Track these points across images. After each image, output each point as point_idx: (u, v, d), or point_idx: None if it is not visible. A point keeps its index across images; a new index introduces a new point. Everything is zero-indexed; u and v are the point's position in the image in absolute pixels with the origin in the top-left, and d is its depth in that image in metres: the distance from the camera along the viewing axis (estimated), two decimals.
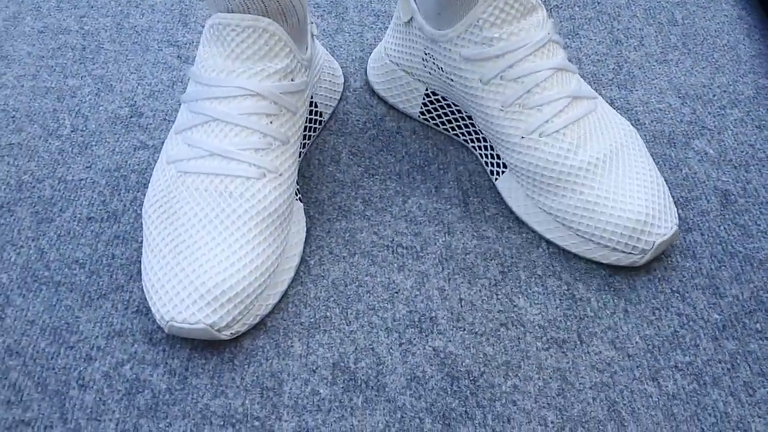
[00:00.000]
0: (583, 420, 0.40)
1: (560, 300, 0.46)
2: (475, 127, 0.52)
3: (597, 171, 0.45)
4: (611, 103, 0.59)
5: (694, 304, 0.46)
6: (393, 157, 0.55)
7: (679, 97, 0.59)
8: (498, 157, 0.50)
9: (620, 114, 0.57)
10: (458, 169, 0.53)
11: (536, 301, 0.45)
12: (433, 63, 0.51)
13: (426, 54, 0.51)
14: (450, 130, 0.55)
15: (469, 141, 0.54)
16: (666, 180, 0.53)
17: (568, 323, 0.44)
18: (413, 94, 0.55)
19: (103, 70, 0.61)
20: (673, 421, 0.40)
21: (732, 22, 0.66)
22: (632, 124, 0.57)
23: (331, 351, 0.43)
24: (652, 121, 0.57)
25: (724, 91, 0.59)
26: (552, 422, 0.40)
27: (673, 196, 0.52)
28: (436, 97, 0.54)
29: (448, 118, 0.54)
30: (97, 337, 0.43)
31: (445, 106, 0.54)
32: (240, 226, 0.42)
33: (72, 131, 0.56)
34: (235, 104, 0.43)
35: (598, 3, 0.68)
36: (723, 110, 0.58)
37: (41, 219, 0.50)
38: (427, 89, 0.54)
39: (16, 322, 0.44)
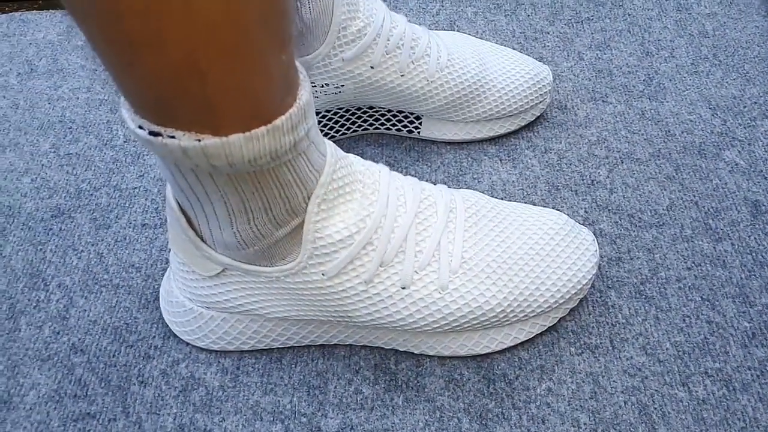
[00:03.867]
0: (615, 422, 0.42)
1: (593, 307, 0.47)
2: (370, 111, 0.57)
3: (484, 68, 0.57)
4: (642, 114, 0.60)
5: (724, 312, 0.47)
6: (428, 167, 0.57)
7: (710, 108, 0.60)
8: (410, 114, 0.57)
9: (653, 124, 0.59)
10: (492, 178, 0.55)
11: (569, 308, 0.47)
12: (311, 87, 0.53)
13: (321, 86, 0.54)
14: (347, 132, 0.59)
15: (370, 127, 0.59)
16: (696, 190, 0.54)
17: (600, 329, 0.46)
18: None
19: None
20: (702, 425, 0.42)
21: (763, 33, 0.67)
22: (663, 136, 0.58)
23: (372, 353, 0.45)
24: (682, 132, 0.58)
25: (755, 103, 0.60)
26: (585, 424, 0.42)
27: (704, 206, 0.53)
28: (321, 115, 0.57)
29: (340, 123, 0.58)
30: (154, 336, 0.46)
31: (332, 116, 0.57)
32: None
33: (125, 141, 0.59)
34: None
35: (630, 15, 0.70)
36: (753, 121, 0.59)
37: (99, 225, 0.53)
38: (327, 111, 0.57)
39: (79, 321, 0.47)
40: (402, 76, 0.53)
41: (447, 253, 0.41)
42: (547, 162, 0.57)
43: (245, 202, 0.35)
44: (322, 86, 0.54)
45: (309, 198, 0.37)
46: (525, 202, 0.54)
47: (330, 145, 0.39)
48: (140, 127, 0.30)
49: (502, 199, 0.54)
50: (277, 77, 0.30)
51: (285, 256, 0.39)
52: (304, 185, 0.36)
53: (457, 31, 0.69)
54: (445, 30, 0.68)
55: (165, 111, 0.29)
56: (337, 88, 0.54)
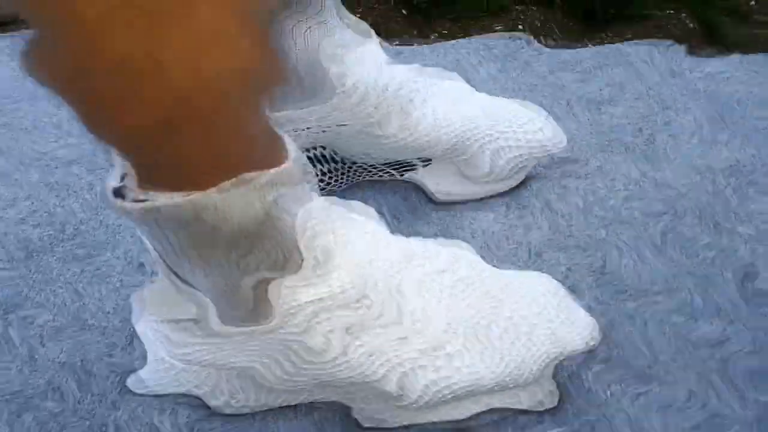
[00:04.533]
0: None
1: (571, 386, 0.45)
2: (360, 162, 0.55)
3: (491, 117, 0.54)
4: (644, 174, 0.59)
5: (719, 396, 0.45)
6: (422, 221, 0.56)
7: (712, 172, 0.59)
8: (407, 162, 0.56)
9: (654, 185, 0.57)
10: (489, 231, 0.54)
11: None
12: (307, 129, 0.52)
13: (296, 131, 0.53)
14: (349, 180, 0.57)
15: (367, 176, 0.57)
16: (690, 264, 0.52)
17: (579, 412, 0.44)
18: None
19: None
20: None
21: None
22: (664, 198, 0.57)
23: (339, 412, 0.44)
24: (685, 193, 0.57)
25: (764, 165, 0.59)
26: None
27: (697, 282, 0.51)
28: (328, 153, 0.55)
29: (336, 177, 0.57)
30: (121, 382, 0.45)
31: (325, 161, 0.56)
32: None
33: None
34: None
35: (638, 70, 0.69)
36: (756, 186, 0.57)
37: (81, 259, 0.52)
38: (307, 150, 0.55)
39: (47, 363, 0.46)
40: (401, 129, 0.52)
41: (429, 319, 0.40)
42: (546, 218, 0.55)
43: (221, 259, 0.34)
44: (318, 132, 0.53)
45: (288, 257, 0.36)
46: (515, 259, 0.52)
47: (315, 199, 0.38)
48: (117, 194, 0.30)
49: (494, 254, 0.53)
50: (260, 135, 0.29)
51: (258, 316, 0.37)
52: (284, 243, 0.35)
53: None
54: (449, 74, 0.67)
55: (143, 170, 0.29)
56: (338, 126, 0.52)
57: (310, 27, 0.47)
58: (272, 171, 0.30)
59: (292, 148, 0.32)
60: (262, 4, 0.27)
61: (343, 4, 0.51)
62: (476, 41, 0.72)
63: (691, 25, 0.72)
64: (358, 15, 0.74)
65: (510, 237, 0.54)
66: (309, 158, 0.55)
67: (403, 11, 0.77)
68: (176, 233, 0.31)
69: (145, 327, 0.42)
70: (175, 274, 0.37)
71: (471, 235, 0.54)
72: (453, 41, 0.72)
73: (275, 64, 0.28)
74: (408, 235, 0.43)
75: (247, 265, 0.34)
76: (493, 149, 0.54)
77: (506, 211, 0.56)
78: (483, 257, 0.45)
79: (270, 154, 0.31)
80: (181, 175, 0.28)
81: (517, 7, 0.74)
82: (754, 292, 0.50)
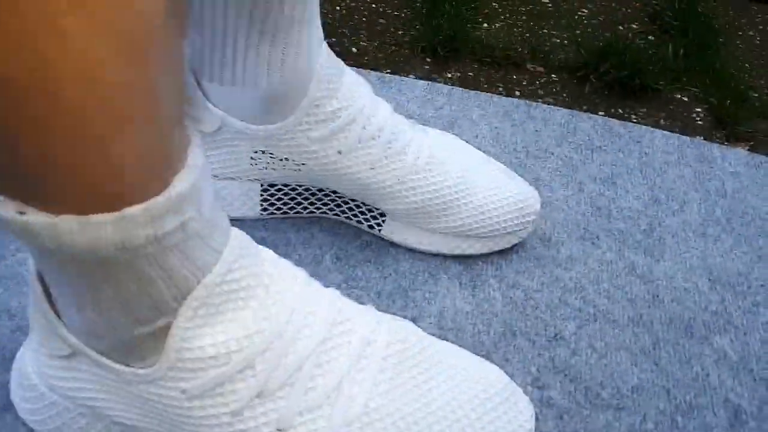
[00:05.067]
0: None
1: None
2: (333, 195, 0.52)
3: (466, 179, 0.50)
4: (633, 268, 0.53)
5: None
6: (378, 272, 0.50)
7: (710, 280, 0.53)
8: (374, 209, 0.51)
9: (641, 283, 0.52)
10: (444, 303, 0.48)
11: None
12: (270, 158, 0.48)
13: (256, 152, 0.48)
14: (302, 212, 0.53)
15: (329, 212, 0.53)
16: (671, 375, 0.46)
17: None
18: (247, 197, 0.51)
19: None
20: None
21: None
22: (650, 299, 0.51)
23: None
24: (671, 300, 0.51)
25: (762, 285, 0.53)
26: None
27: (677, 397, 0.45)
28: (277, 187, 0.51)
29: (297, 201, 0.52)
30: None
31: (290, 191, 0.52)
32: None
33: None
34: None
35: (646, 154, 0.64)
36: (756, 307, 0.51)
37: None
38: (262, 185, 0.51)
39: None
40: (372, 169, 0.48)
41: (346, 398, 0.34)
42: (511, 299, 0.50)
43: (94, 290, 0.28)
44: (282, 160, 0.48)
45: (183, 298, 0.30)
46: (473, 341, 0.46)
47: (236, 238, 0.33)
48: None
49: (449, 329, 0.47)
50: (129, 160, 0.24)
51: (144, 358, 0.32)
52: (175, 284, 0.30)
53: (457, 131, 0.63)
54: (441, 128, 0.63)
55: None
56: (297, 164, 0.48)
57: (286, 47, 0.43)
58: (158, 199, 0.25)
59: (192, 173, 0.27)
60: (135, 16, 0.22)
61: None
62: (484, 96, 0.67)
63: (700, 110, 0.67)
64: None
65: (470, 315, 0.48)
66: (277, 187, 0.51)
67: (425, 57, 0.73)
68: (50, 257, 0.26)
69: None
70: (50, 302, 0.32)
71: (426, 301, 0.49)
72: (462, 90, 0.68)
73: (150, 83, 0.24)
74: (348, 280, 0.38)
75: (127, 303, 0.29)
76: (470, 208, 0.49)
77: (470, 287, 0.50)
78: (434, 334, 0.40)
79: (157, 179, 0.26)
80: (46, 194, 0.23)
81: (535, 68, 0.70)
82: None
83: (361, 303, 0.47)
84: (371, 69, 0.66)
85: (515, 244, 0.53)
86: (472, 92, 0.67)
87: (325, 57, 0.45)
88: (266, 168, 0.49)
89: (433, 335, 0.46)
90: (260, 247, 0.35)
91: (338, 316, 0.36)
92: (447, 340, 0.46)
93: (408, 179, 0.48)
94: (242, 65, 0.44)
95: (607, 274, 0.52)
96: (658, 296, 0.52)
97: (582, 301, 0.50)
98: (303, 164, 0.48)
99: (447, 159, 0.50)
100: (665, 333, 0.49)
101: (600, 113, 0.68)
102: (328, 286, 0.48)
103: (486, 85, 0.70)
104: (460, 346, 0.45)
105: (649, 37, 0.72)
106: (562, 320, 0.49)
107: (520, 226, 0.51)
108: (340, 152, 0.47)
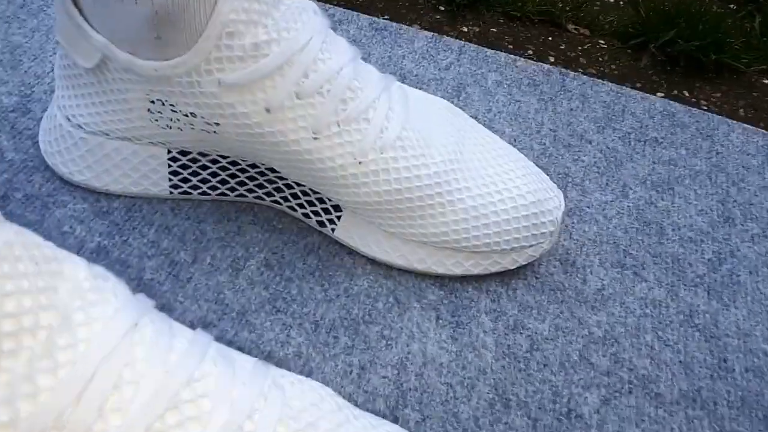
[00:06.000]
0: None
1: None
2: (270, 175, 0.37)
3: (457, 166, 0.35)
4: (690, 315, 0.37)
5: None
6: (322, 292, 0.35)
7: None
8: (326, 199, 0.36)
9: (702, 338, 0.36)
10: (410, 348, 0.33)
11: None
12: (172, 111, 0.33)
13: (154, 102, 0.33)
14: (228, 194, 0.38)
15: (266, 197, 0.38)
16: None
17: None
18: (148, 167, 0.36)
19: None
20: None
21: None
22: (714, 365, 0.35)
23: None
24: (745, 370, 0.35)
25: None
26: None
27: None
28: (191, 157, 0.36)
29: (221, 178, 0.37)
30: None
31: (209, 164, 0.36)
32: None
33: None
34: None
35: (718, 153, 0.47)
36: None
37: None
38: (169, 151, 0.36)
39: None
40: (315, 138, 0.32)
41: None
42: (508, 348, 0.34)
43: None
44: (187, 115, 0.33)
45: None
46: (445, 410, 0.31)
47: None
48: None
49: (411, 389, 0.32)
50: None
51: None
52: None
53: (463, 100, 0.47)
54: (443, 96, 0.47)
55: None
56: (208, 123, 0.33)
57: None
58: None
59: None
60: None
61: None
62: (506, 57, 0.51)
63: None
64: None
65: (446, 369, 0.33)
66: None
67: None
68: None
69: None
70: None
71: (385, 341, 0.33)
72: (477, 47, 0.52)
73: None
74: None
75: None
76: (459, 210, 0.34)
77: (451, 325, 0.35)
78: (389, 394, 0.25)
79: None
80: None
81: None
82: None
83: (289, 337, 0.33)
84: (363, 12, 0.51)
85: (522, 267, 0.37)
86: (490, 52, 0.51)
87: None
88: (169, 127, 0.34)
89: (389, 395, 0.31)
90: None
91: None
92: (407, 406, 0.31)
93: (369, 158, 0.33)
94: None
95: (653, 321, 0.37)
96: (725, 362, 0.35)
97: (613, 360, 0.34)
98: (216, 124, 0.32)
99: (431, 134, 0.34)
100: (734, 420, 0.33)
101: (659, 94, 0.52)
102: (246, 305, 0.34)
103: (511, 46, 0.54)
104: (424, 418, 0.30)
105: (731, 6, 0.56)
106: (582, 388, 0.33)
107: (531, 240, 0.35)
108: (268, 110, 0.31)
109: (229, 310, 0.34)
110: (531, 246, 0.36)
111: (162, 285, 0.34)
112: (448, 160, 0.34)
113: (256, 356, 0.32)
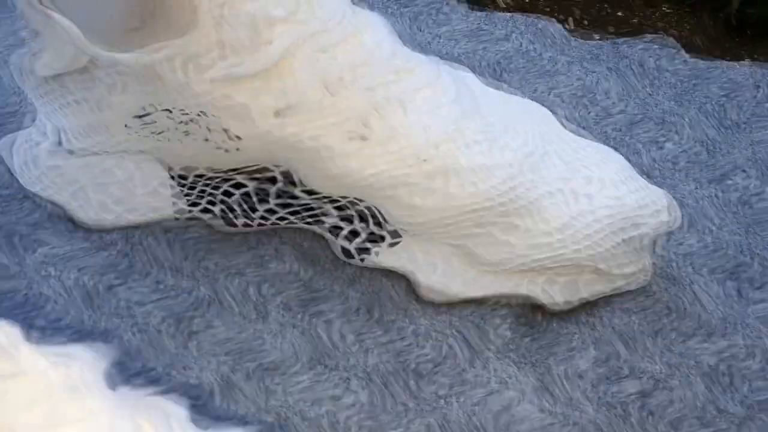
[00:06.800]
0: None
1: None
2: (294, 190, 0.28)
3: (535, 163, 0.27)
4: None
5: None
6: (357, 343, 0.28)
7: None
8: (368, 216, 0.28)
9: None
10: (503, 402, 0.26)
11: None
12: (167, 117, 0.26)
13: (144, 109, 0.26)
14: (249, 215, 0.30)
15: (293, 216, 0.30)
16: None
17: None
18: (147, 189, 0.29)
19: None
20: None
21: None
22: None
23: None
24: None
25: None
26: None
27: None
28: (199, 173, 0.28)
29: (235, 198, 0.29)
30: None
31: (221, 181, 0.29)
32: None
33: None
34: None
35: None
36: None
37: None
38: (171, 168, 0.28)
39: None
40: (352, 139, 0.25)
41: None
42: (613, 396, 0.27)
43: None
44: (186, 123, 0.26)
45: None
46: None
47: None
48: None
49: None
50: None
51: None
52: None
53: (508, 82, 0.39)
54: (483, 74, 0.39)
55: None
56: (213, 130, 0.26)
57: None
58: None
59: None
60: None
61: None
62: (558, 30, 0.43)
63: None
64: None
65: (540, 429, 0.26)
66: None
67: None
68: None
69: None
70: None
71: (444, 401, 0.26)
72: (524, 16, 0.44)
73: None
74: None
75: None
76: (548, 215, 0.27)
77: (539, 372, 0.27)
78: None
79: None
80: None
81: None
82: None
83: (335, 399, 0.25)
84: None
85: (625, 294, 0.30)
86: (541, 23, 0.43)
87: None
88: (167, 139, 0.27)
89: None
90: None
91: None
92: None
93: (423, 159, 0.26)
94: None
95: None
96: None
97: (745, 405, 0.27)
98: (224, 130, 0.25)
99: (500, 121, 0.27)
100: None
101: (741, 63, 0.44)
102: (278, 358, 0.27)
103: (560, 14, 0.46)
104: None
105: None
106: None
107: (631, 256, 0.28)
108: (288, 107, 0.24)
109: (257, 366, 0.27)
110: (630, 263, 0.28)
111: (172, 337, 0.27)
112: (523, 155, 0.27)
113: (295, 425, 0.25)
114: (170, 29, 0.23)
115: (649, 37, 0.43)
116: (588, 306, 0.29)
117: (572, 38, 0.43)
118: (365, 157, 0.25)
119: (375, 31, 0.25)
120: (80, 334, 0.27)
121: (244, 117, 0.24)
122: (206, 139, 0.26)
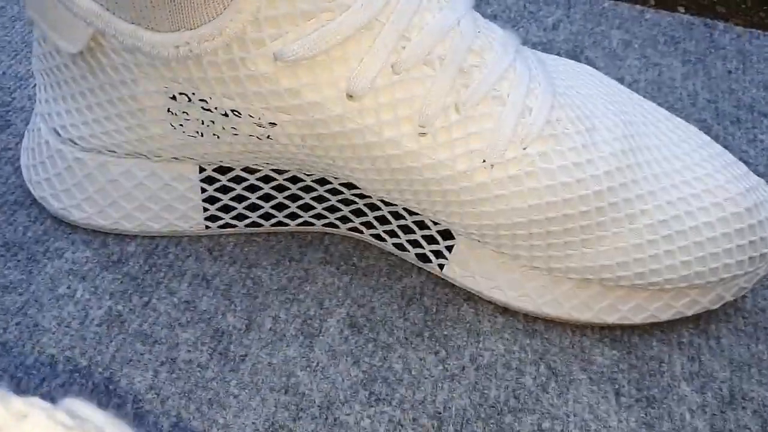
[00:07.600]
0: None
1: None
2: (345, 193, 0.25)
3: (633, 159, 0.23)
4: None
5: None
6: (418, 368, 0.24)
7: None
8: (431, 224, 0.25)
9: None
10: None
11: None
12: (203, 108, 0.22)
13: (174, 99, 0.22)
14: (288, 222, 0.26)
15: (342, 223, 0.26)
16: None
17: None
18: (174, 194, 0.25)
19: None
20: None
21: None
22: None
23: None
24: None
25: None
26: None
27: None
28: (234, 175, 0.25)
29: (276, 203, 0.25)
30: None
31: (260, 184, 0.25)
32: None
33: None
34: None
35: None
36: None
37: None
38: (202, 169, 0.24)
39: None
40: (423, 134, 0.21)
41: None
42: None
43: None
44: (226, 114, 0.21)
45: None
46: None
47: None
48: None
49: None
50: None
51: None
52: None
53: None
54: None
55: None
56: (259, 125, 0.21)
57: None
58: None
59: None
60: None
61: None
62: (627, 9, 0.39)
63: None
64: None
65: None
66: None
67: None
68: None
69: None
70: None
71: None
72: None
73: None
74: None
75: None
76: (646, 219, 0.23)
77: (641, 405, 0.23)
78: None
79: None
80: None
81: None
82: None
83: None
84: None
85: (725, 304, 0.25)
86: (609, 2, 0.39)
87: None
88: (200, 134, 0.23)
89: None
90: None
91: None
92: None
93: (507, 160, 0.22)
94: None
95: None
96: None
97: None
98: (271, 124, 0.21)
99: (592, 113, 0.23)
100: None
101: None
102: (331, 391, 0.23)
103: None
104: None
105: None
106: None
107: (746, 266, 0.24)
108: (351, 96, 0.20)
109: (306, 401, 0.23)
110: (746, 274, 0.24)
111: (205, 368, 0.23)
112: (621, 152, 0.23)
113: None
114: (210, 1, 0.19)
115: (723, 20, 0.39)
116: (690, 322, 0.25)
117: (644, 18, 0.38)
118: (431, 152, 0.21)
119: (453, 4, 0.21)
120: (91, 377, 0.23)
121: (301, 109, 0.20)
122: (248, 135, 0.22)
